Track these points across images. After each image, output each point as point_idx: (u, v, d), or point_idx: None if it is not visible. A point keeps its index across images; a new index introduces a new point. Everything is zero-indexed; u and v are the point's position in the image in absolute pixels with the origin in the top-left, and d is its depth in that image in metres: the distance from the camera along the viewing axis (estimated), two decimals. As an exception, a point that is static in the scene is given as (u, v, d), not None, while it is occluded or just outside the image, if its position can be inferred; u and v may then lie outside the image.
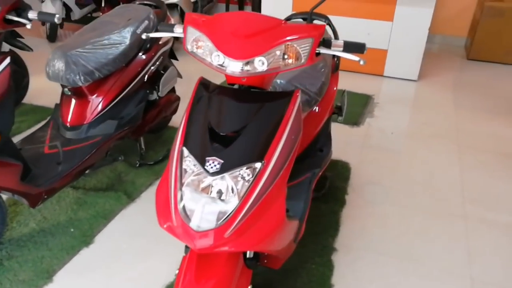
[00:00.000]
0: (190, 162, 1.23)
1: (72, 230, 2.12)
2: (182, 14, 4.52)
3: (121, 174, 2.56)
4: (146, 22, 2.37)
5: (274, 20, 1.30)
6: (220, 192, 1.19)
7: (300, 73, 1.86)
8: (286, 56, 1.25)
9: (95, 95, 2.22)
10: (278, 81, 1.77)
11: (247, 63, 1.22)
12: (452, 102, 3.63)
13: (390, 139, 3.02)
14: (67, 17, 4.87)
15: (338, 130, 3.10)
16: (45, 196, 1.98)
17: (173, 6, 4.35)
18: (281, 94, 1.34)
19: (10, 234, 2.08)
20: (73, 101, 2.23)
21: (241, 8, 5.49)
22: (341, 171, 2.61)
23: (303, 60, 1.27)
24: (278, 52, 1.24)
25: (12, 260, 1.93)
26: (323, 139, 2.08)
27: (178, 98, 2.84)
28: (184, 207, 1.20)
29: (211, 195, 1.18)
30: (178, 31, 1.42)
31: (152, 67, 2.42)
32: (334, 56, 2.16)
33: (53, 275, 1.87)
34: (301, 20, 2.26)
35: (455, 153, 2.86)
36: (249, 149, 1.22)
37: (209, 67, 1.28)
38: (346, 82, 3.91)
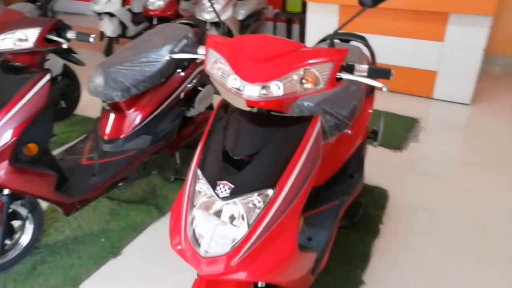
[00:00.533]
0: (203, 185, 1.22)
1: (102, 240, 2.18)
2: (229, 33, 4.61)
3: (155, 187, 2.61)
4: (184, 41, 2.43)
5: (294, 44, 1.27)
6: (232, 217, 1.16)
7: (330, 96, 1.81)
8: (304, 81, 1.22)
9: (132, 110, 2.30)
10: (306, 103, 1.73)
11: (263, 87, 1.20)
12: (509, 129, 3.36)
13: (435, 166, 2.84)
14: (123, 34, 5.15)
15: (377, 155, 2.97)
16: (78, 206, 2.05)
17: (219, 25, 4.45)
18: (299, 119, 1.30)
19: (46, 239, 2.18)
20: (111, 115, 2.32)
21: (289, 27, 5.51)
22: (378, 198, 2.49)
23: (321, 86, 1.23)
24: (295, 77, 1.20)
25: (45, 265, 2.02)
26: (354, 165, 2.00)
27: None
28: (194, 231, 1.19)
29: (222, 219, 1.16)
30: (201, 52, 1.44)
31: (189, 85, 2.47)
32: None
33: (79, 283, 1.93)
34: (338, 41, 2.21)
35: (508, 187, 2.63)
36: (261, 175, 1.19)
37: (228, 91, 1.27)
38: (390, 103, 3.76)
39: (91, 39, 1.75)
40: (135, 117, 2.31)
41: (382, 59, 3.90)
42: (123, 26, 5.10)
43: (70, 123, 3.43)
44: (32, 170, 1.78)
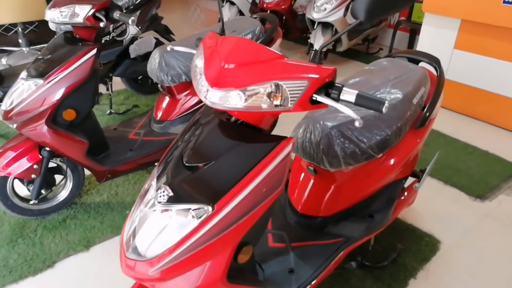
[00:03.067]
0: (154, 183, 1.17)
1: (127, 212, 2.29)
2: (335, 33, 4.37)
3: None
4: (249, 36, 2.37)
5: (274, 54, 1.11)
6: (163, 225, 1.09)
7: (363, 118, 1.56)
8: (272, 97, 1.06)
9: (183, 95, 2.34)
10: (322, 122, 1.53)
11: (224, 95, 1.08)
12: None
13: (520, 230, 2.28)
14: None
15: (447, 196, 2.51)
16: (109, 175, 2.19)
17: (327, 26, 4.26)
18: (268, 138, 1.15)
19: (85, 198, 2.39)
20: (166, 97, 2.40)
21: (412, 37, 4.99)
22: (423, 248, 2.10)
23: (289, 105, 1.06)
24: (262, 90, 1.06)
25: (73, 220, 2.22)
26: (379, 204, 1.71)
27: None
28: (131, 226, 1.15)
29: (155, 223, 1.10)
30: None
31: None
32: (424, 107, 1.74)
33: (91, 245, 2.07)
34: (403, 60, 1.91)
35: None
36: (204, 188, 1.09)
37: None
38: (490, 139, 3.14)
39: (130, 21, 1.82)
40: (184, 103, 2.36)
41: (486, 85, 3.29)
42: (241, 14, 5.25)
43: (155, 98, 3.68)
44: (66, 134, 1.94)
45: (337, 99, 1.08)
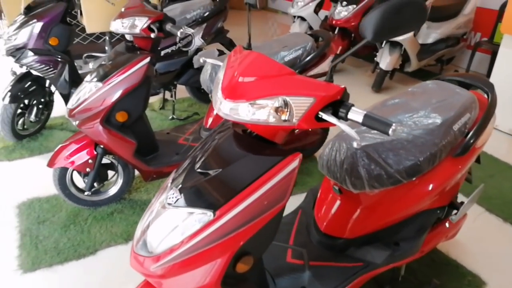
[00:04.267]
0: (169, 185, 1.25)
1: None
2: (405, 55, 4.20)
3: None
4: (299, 51, 2.40)
5: (285, 69, 1.14)
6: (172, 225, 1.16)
7: (392, 141, 1.51)
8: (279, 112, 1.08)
9: None
10: (348, 141, 1.50)
11: (233, 107, 1.12)
12: None
13: None
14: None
15: (507, 237, 2.28)
16: (154, 176, 2.34)
17: (396, 45, 4.12)
18: (276, 151, 1.17)
19: (134, 195, 2.56)
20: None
21: (492, 60, 4.62)
22: (460, 285, 1.94)
23: (294, 120, 1.07)
24: (270, 104, 1.09)
25: (119, 214, 2.39)
26: (407, 233, 1.61)
27: (323, 133, 2.75)
28: (144, 222, 1.23)
29: (163, 223, 1.17)
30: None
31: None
32: (467, 134, 1.62)
33: (130, 239, 2.22)
34: (449, 83, 1.80)
35: None
36: (208, 194, 1.14)
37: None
38: None
39: (178, 33, 1.95)
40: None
41: None
42: (311, 29, 5.29)
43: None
44: (117, 133, 2.12)
45: (345, 118, 1.07)
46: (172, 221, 1.12)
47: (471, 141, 1.59)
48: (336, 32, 4.73)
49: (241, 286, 1.24)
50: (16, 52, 2.82)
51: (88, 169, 2.22)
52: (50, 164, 2.18)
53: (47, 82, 3.06)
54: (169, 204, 1.15)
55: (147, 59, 2.08)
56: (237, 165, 1.15)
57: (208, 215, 1.09)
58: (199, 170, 1.20)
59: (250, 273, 1.23)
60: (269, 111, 1.08)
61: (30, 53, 2.80)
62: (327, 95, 1.05)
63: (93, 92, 2.05)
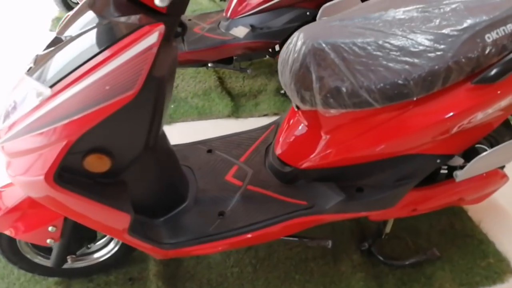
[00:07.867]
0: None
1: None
2: None
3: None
4: None
5: None
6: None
7: (378, 43, 1.01)
8: None
9: None
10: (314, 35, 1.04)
11: None
12: None
13: None
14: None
15: None
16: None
17: None
18: (136, 21, 0.85)
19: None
20: None
21: None
22: (479, 269, 1.41)
23: None
24: None
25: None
26: (379, 178, 1.14)
27: None
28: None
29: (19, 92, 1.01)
30: None
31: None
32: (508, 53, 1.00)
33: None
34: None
35: None
36: (50, 68, 0.96)
37: None
38: None
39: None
40: (245, 6, 2.07)
41: None
42: None
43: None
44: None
45: None
46: (21, 92, 0.99)
47: (506, 65, 0.98)
48: None
49: (79, 184, 0.99)
50: None
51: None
52: None
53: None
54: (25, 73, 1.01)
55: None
56: (86, 36, 0.90)
57: (45, 90, 0.92)
58: (58, 35, 0.97)
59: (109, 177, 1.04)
60: None
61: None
62: None
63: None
